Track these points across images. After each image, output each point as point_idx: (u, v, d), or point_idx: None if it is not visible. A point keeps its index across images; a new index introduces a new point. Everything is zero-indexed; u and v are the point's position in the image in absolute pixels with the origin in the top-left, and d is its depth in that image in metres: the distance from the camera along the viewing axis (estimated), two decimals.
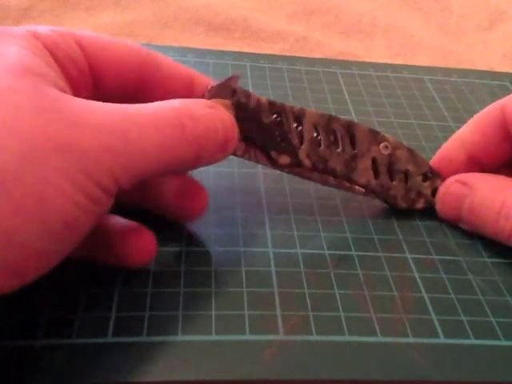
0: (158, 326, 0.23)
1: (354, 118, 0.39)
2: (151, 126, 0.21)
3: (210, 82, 0.27)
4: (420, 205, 0.31)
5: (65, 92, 0.21)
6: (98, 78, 0.25)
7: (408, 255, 0.29)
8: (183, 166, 0.24)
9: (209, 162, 0.25)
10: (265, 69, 0.44)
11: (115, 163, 0.20)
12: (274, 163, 0.28)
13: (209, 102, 0.25)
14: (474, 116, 0.32)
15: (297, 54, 0.49)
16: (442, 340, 0.25)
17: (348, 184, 0.30)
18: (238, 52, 0.47)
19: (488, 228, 0.29)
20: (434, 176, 0.31)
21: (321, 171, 0.29)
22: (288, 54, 0.50)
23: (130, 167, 0.20)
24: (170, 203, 0.27)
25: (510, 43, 0.56)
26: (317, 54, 0.50)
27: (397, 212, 0.31)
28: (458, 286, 0.27)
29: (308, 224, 0.30)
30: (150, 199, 0.28)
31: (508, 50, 0.55)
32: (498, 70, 0.50)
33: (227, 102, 0.27)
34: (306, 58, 0.47)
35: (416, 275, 0.28)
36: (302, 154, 0.29)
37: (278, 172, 0.29)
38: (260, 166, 0.29)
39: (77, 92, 0.24)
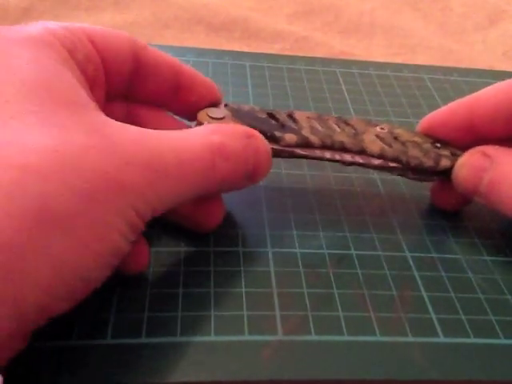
0: (156, 327, 0.23)
1: (354, 117, 0.39)
2: (188, 165, 0.23)
3: (196, 72, 0.29)
4: (444, 163, 0.29)
5: (96, 107, 0.22)
6: (108, 71, 0.26)
7: (407, 254, 0.29)
8: (207, 194, 0.25)
9: (234, 190, 0.26)
10: (264, 68, 0.44)
11: (156, 198, 0.21)
12: (280, 143, 0.28)
13: (244, 129, 0.26)
14: (491, 86, 0.30)
15: (297, 54, 0.49)
16: (442, 339, 0.25)
17: (363, 158, 0.29)
18: (238, 51, 0.47)
19: (506, 205, 0.27)
20: (443, 145, 0.30)
21: (329, 147, 0.29)
22: (288, 53, 0.50)
23: (166, 200, 0.22)
24: (184, 211, 0.27)
25: (510, 42, 0.56)
26: (317, 54, 0.50)
27: (396, 211, 0.31)
28: (457, 285, 0.27)
29: (307, 223, 0.30)
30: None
31: (508, 48, 0.55)
32: (499, 69, 0.50)
33: (237, 124, 0.28)
34: (305, 57, 0.47)
35: (415, 274, 0.28)
36: (306, 132, 0.29)
37: (276, 171, 0.29)
38: None
39: (93, 91, 0.25)
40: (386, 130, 0.30)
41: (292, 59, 0.46)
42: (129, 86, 0.27)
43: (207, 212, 0.27)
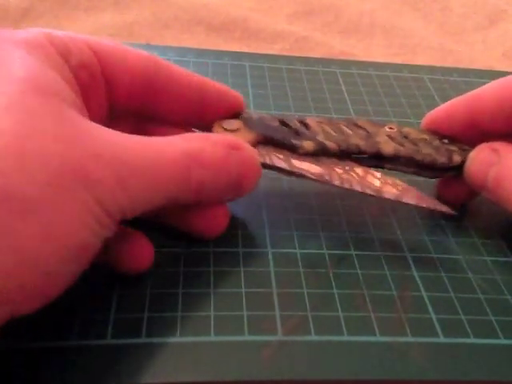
0: (156, 328, 0.23)
1: (354, 117, 0.39)
2: (163, 169, 0.22)
3: (223, 88, 0.28)
4: (456, 158, 0.30)
5: (81, 109, 0.22)
6: (112, 84, 0.26)
7: (407, 254, 0.29)
8: (186, 203, 0.25)
9: (219, 201, 0.26)
10: (264, 69, 0.44)
11: (125, 197, 0.21)
12: (298, 151, 0.28)
13: (230, 140, 0.25)
14: (493, 81, 0.30)
15: (296, 54, 0.49)
16: (442, 339, 0.25)
17: (378, 174, 0.29)
18: (238, 52, 0.47)
19: (510, 200, 0.27)
20: (450, 141, 0.31)
21: (346, 151, 0.29)
22: (288, 54, 0.50)
23: (136, 202, 0.22)
24: (184, 217, 0.27)
25: (510, 42, 0.56)
26: (316, 54, 0.50)
27: (396, 212, 0.31)
28: (457, 285, 0.27)
29: (307, 224, 0.30)
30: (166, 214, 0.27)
31: (508, 48, 0.55)
32: (498, 69, 0.50)
33: (252, 134, 0.28)
34: (305, 57, 0.47)
35: (415, 274, 0.28)
36: (321, 138, 0.29)
37: (276, 172, 0.29)
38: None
39: (88, 98, 0.24)
40: (395, 130, 0.30)
41: (292, 60, 0.46)
42: (144, 104, 0.27)
43: (209, 219, 0.27)
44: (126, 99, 0.27)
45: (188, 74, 0.28)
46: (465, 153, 0.30)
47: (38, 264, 0.19)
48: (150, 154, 0.22)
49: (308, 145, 0.28)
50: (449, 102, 0.31)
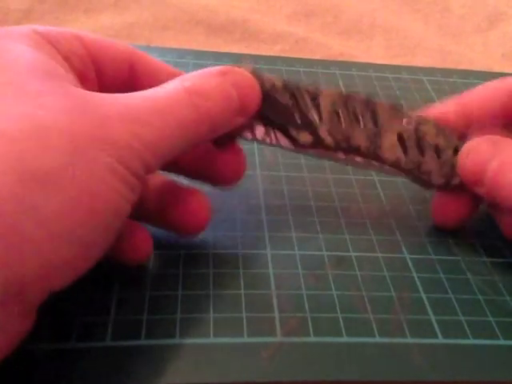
0: (156, 329, 0.23)
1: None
2: (168, 111, 0.22)
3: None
4: (456, 181, 0.29)
5: (77, 86, 0.22)
6: (100, 72, 0.26)
7: (406, 255, 0.29)
8: (202, 139, 0.25)
9: (229, 128, 0.26)
10: (264, 70, 0.43)
11: (144, 149, 0.21)
12: (295, 142, 0.28)
13: (220, 68, 0.25)
14: (482, 85, 0.30)
15: (296, 55, 0.49)
16: (441, 340, 0.25)
17: (376, 164, 0.29)
18: (237, 53, 0.47)
19: (510, 195, 0.27)
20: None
21: (344, 150, 0.28)
22: (287, 55, 0.50)
23: (157, 151, 0.22)
24: (164, 213, 0.27)
25: (510, 44, 0.56)
26: (316, 55, 0.50)
27: (395, 213, 0.31)
28: (456, 286, 0.27)
29: (306, 225, 0.30)
30: (144, 210, 0.27)
31: (507, 50, 0.55)
32: (498, 71, 0.50)
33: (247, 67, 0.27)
34: (304, 59, 0.47)
35: (414, 275, 0.28)
36: (323, 131, 0.28)
37: (275, 173, 0.29)
38: (258, 167, 0.29)
39: (83, 84, 0.24)
40: (411, 127, 0.29)
41: (291, 61, 0.46)
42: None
43: (191, 214, 0.26)
44: (112, 85, 0.27)
45: (160, 63, 0.28)
46: None
47: (70, 237, 0.19)
48: (155, 102, 0.22)
49: (305, 138, 0.28)
50: (440, 104, 0.31)
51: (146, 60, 0.27)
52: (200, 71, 0.25)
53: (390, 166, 0.29)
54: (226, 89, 0.25)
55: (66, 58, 0.24)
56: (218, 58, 0.44)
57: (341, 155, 0.29)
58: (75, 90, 0.21)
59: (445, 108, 0.31)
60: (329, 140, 0.28)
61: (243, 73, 0.26)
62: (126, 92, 0.27)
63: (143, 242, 0.25)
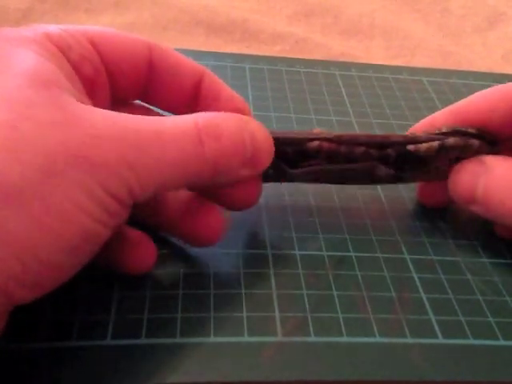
0: (156, 329, 0.23)
1: (353, 119, 0.39)
2: (170, 141, 0.21)
3: (218, 80, 0.27)
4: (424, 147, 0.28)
5: (81, 99, 0.21)
6: (112, 73, 0.25)
7: (406, 256, 0.29)
8: (200, 183, 0.23)
9: (233, 179, 0.24)
10: (264, 70, 0.44)
11: (131, 176, 0.20)
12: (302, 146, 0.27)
13: (240, 115, 0.24)
14: (476, 93, 0.30)
15: (296, 56, 0.49)
16: (441, 340, 0.25)
17: (376, 153, 0.28)
18: (237, 54, 0.47)
19: (504, 209, 0.27)
20: None
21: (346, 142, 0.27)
22: (287, 55, 0.50)
23: (146, 181, 0.20)
24: (179, 223, 0.26)
25: (510, 44, 0.56)
26: (316, 56, 0.50)
27: (395, 213, 0.31)
28: (456, 287, 0.27)
29: (307, 225, 0.30)
30: (161, 218, 0.27)
31: (507, 51, 0.55)
32: (498, 71, 0.50)
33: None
34: (304, 59, 0.47)
35: (414, 276, 0.28)
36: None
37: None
38: None
39: (93, 92, 0.24)
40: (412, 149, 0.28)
41: (291, 61, 0.46)
42: (145, 91, 0.27)
43: (205, 224, 0.26)
44: (128, 87, 0.26)
45: (184, 59, 0.27)
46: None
47: (34, 255, 0.18)
48: (158, 129, 0.21)
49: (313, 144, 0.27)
50: (430, 117, 0.31)
51: (167, 55, 0.26)
52: (220, 113, 0.23)
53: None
54: (241, 136, 0.23)
55: (76, 66, 0.23)
56: (218, 58, 0.44)
57: (343, 148, 0.27)
58: (71, 104, 0.20)
59: (436, 118, 0.30)
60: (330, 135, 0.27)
61: (262, 127, 0.25)
62: (145, 91, 0.26)
63: (147, 256, 0.25)
